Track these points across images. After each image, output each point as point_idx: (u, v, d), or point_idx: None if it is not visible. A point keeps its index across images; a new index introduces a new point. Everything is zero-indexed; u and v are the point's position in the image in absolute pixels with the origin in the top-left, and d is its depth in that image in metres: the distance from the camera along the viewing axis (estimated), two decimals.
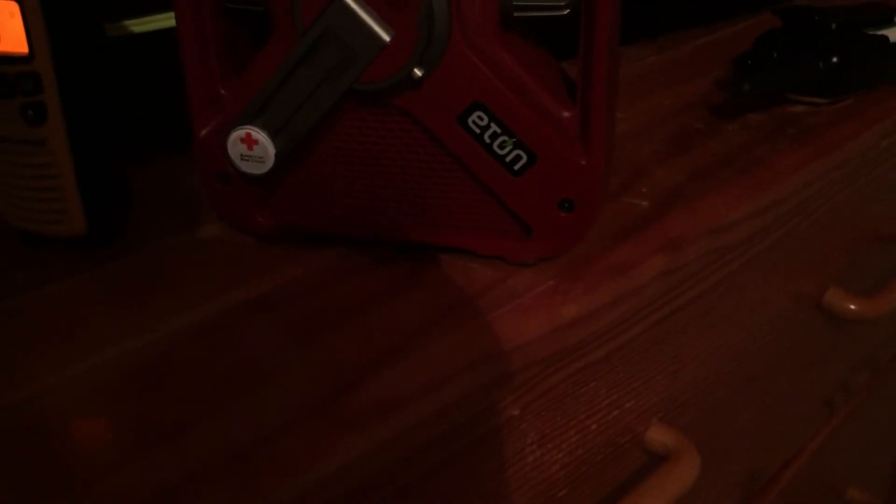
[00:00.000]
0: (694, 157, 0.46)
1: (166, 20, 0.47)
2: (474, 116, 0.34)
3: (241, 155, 0.35)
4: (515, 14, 0.33)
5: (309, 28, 0.32)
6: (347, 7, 0.32)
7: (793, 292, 0.58)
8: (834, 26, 0.50)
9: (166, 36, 0.45)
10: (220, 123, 0.37)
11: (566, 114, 0.34)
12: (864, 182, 0.56)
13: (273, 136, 0.35)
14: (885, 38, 0.52)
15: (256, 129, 0.35)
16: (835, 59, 0.49)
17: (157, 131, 0.48)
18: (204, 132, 0.37)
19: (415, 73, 0.33)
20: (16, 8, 0.32)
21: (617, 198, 0.42)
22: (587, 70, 0.33)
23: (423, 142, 0.35)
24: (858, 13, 0.53)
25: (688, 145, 0.48)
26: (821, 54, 0.50)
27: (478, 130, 0.34)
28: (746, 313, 0.53)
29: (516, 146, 0.34)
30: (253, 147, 0.35)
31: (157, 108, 0.48)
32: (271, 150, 0.35)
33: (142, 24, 0.47)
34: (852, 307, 0.61)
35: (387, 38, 0.32)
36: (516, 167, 0.34)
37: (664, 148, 0.47)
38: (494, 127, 0.34)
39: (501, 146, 0.34)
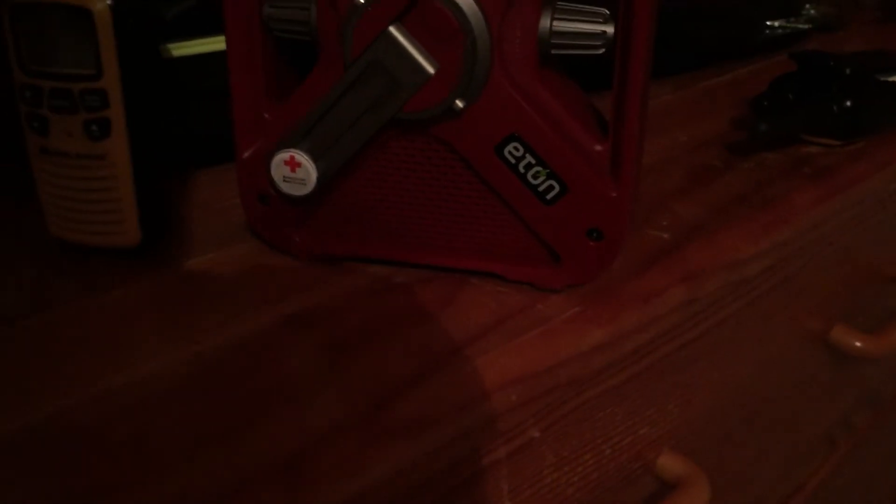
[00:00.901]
0: (712, 193, 0.48)
1: (215, 44, 0.49)
2: (510, 147, 0.35)
3: (284, 177, 0.37)
4: (552, 52, 0.35)
5: (357, 58, 0.34)
6: (395, 40, 0.33)
7: (801, 327, 0.60)
8: (848, 71, 0.52)
9: (213, 59, 0.46)
10: (264, 146, 0.38)
11: (598, 147, 0.36)
12: (872, 222, 0.58)
13: (316, 159, 0.36)
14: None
15: (300, 152, 0.36)
16: (848, 103, 0.51)
17: (199, 150, 0.49)
18: (247, 154, 0.39)
19: (456, 104, 0.34)
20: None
21: (640, 229, 0.44)
22: (621, 106, 0.35)
23: (459, 170, 0.37)
24: (871, 60, 0.55)
25: (706, 181, 0.49)
26: (835, 98, 0.51)
27: (513, 161, 0.36)
28: (756, 346, 0.54)
29: (549, 177, 0.36)
30: (296, 169, 0.36)
31: (201, 127, 0.49)
32: (314, 174, 0.36)
33: (188, 48, 0.49)
34: (858, 344, 0.63)
35: (431, 70, 0.34)
36: (549, 196, 0.36)
37: (684, 183, 0.49)
38: (529, 158, 0.35)
39: (535, 176, 0.36)
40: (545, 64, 0.36)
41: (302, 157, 0.36)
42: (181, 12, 0.53)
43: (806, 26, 0.75)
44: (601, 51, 0.35)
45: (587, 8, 0.35)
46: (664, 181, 0.49)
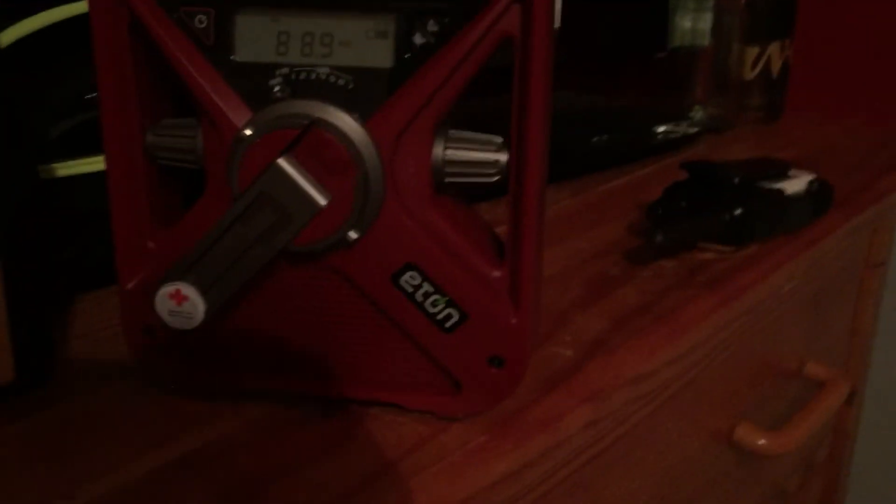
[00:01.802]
0: (613, 304, 0.48)
1: (97, 164, 0.47)
2: (407, 276, 0.35)
3: (170, 310, 0.35)
4: (446, 180, 0.35)
5: (245, 190, 0.33)
6: (284, 172, 0.32)
7: (705, 428, 0.60)
8: (736, 181, 0.54)
9: (97, 179, 0.45)
10: (148, 276, 0.36)
11: (496, 273, 0.35)
12: (767, 322, 0.59)
13: (204, 292, 0.35)
14: (781, 191, 0.55)
15: (187, 285, 0.34)
16: (738, 212, 0.53)
17: (87, 273, 0.47)
18: (130, 285, 0.37)
19: (349, 236, 0.34)
20: None
21: (542, 346, 0.43)
22: (517, 232, 0.35)
23: (354, 298, 0.36)
24: (756, 167, 0.57)
25: (606, 292, 0.49)
26: (725, 207, 0.53)
27: (410, 289, 0.35)
28: (663, 452, 0.54)
29: (448, 305, 0.35)
30: (182, 303, 0.35)
31: (82, 249, 0.47)
32: (201, 307, 0.35)
33: (71, 168, 0.47)
34: (761, 442, 0.63)
35: (323, 202, 0.33)
36: (447, 325, 0.35)
37: (584, 294, 0.49)
38: (427, 286, 0.35)
39: (433, 304, 0.35)
40: (440, 191, 0.35)
41: (189, 291, 0.35)
42: (68, 129, 0.52)
43: (694, 130, 0.78)
44: (495, 178, 0.34)
45: (480, 136, 0.35)
46: (565, 293, 0.49)
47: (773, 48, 0.86)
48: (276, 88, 0.33)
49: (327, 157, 0.33)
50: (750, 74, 0.86)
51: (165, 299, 0.35)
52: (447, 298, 0.35)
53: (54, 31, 0.48)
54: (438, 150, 0.34)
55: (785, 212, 0.55)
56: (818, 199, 0.58)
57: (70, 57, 0.47)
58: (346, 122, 0.33)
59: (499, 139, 0.35)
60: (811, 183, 0.58)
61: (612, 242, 0.57)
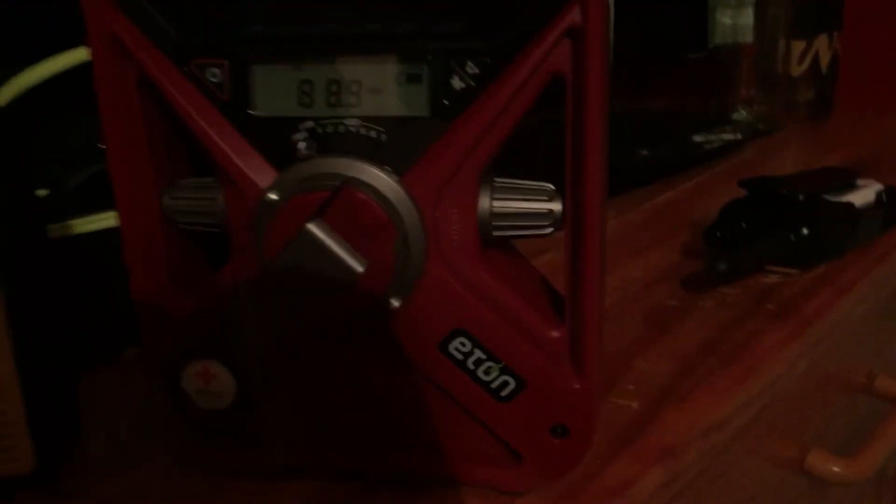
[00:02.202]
0: (676, 343, 0.44)
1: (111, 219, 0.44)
2: (456, 343, 0.31)
3: (198, 390, 0.32)
4: (495, 234, 0.31)
5: (273, 260, 0.30)
6: (315, 238, 0.29)
7: (775, 458, 0.56)
8: (801, 198, 0.49)
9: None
10: (174, 348, 0.33)
11: (555, 333, 0.32)
12: (841, 345, 0.55)
13: (233, 368, 0.32)
14: (851, 204, 0.51)
15: (215, 362, 0.31)
16: (805, 231, 0.49)
17: (108, 337, 0.44)
18: (156, 355, 0.34)
19: (391, 303, 0.30)
20: None
21: (605, 397, 0.39)
22: (577, 287, 0.31)
23: (401, 368, 0.32)
24: (821, 180, 0.53)
25: (666, 328, 0.46)
26: (791, 227, 0.49)
27: (461, 357, 0.31)
28: (735, 490, 0.50)
29: (503, 372, 0.31)
30: (210, 382, 0.32)
31: (105, 307, 0.44)
32: (232, 385, 0.32)
33: (89, 223, 0.45)
34: (836, 469, 0.59)
35: (360, 269, 0.29)
36: (503, 393, 0.32)
37: (643, 332, 0.45)
38: (479, 353, 0.31)
39: (487, 372, 0.32)
40: (487, 244, 0.32)
41: (217, 369, 0.31)
42: (85, 179, 0.49)
43: (739, 136, 0.74)
44: (549, 230, 0.31)
45: (530, 184, 0.31)
46: (622, 331, 0.45)
47: (821, 41, 0.81)
48: (302, 145, 0.30)
49: (362, 220, 0.29)
50: (797, 70, 0.82)
51: (192, 378, 0.32)
52: (501, 365, 0.31)
53: (65, 78, 0.45)
54: (484, 203, 0.31)
55: (855, 227, 0.51)
56: (889, 209, 0.54)
57: (84, 104, 0.45)
58: (380, 179, 0.30)
59: (550, 187, 0.31)
60: (881, 193, 0.53)
61: (666, 269, 0.53)
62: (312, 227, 0.29)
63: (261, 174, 0.30)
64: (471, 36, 0.29)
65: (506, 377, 0.31)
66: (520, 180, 0.31)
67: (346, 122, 0.30)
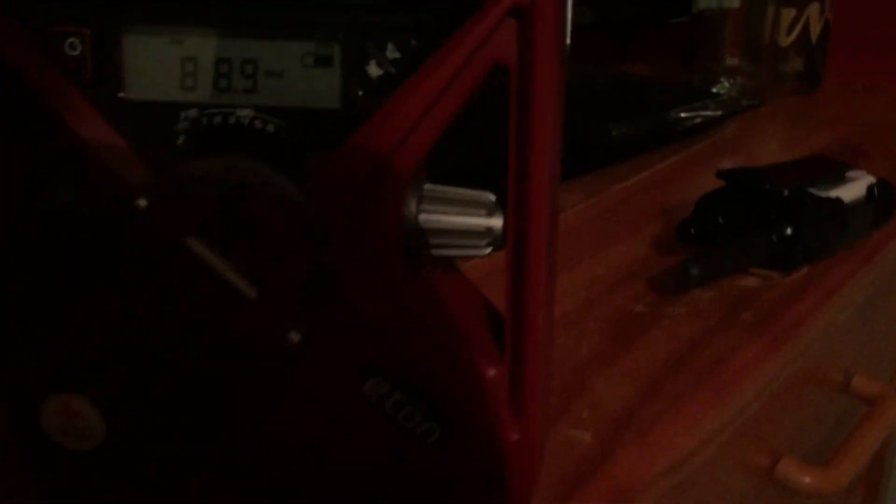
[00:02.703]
0: (640, 358, 0.39)
1: None
2: (371, 382, 0.26)
3: (60, 428, 0.27)
4: (421, 252, 0.26)
5: (143, 279, 0.24)
6: (196, 256, 0.23)
7: (744, 466, 0.51)
8: (785, 193, 0.44)
9: None
10: (31, 378, 0.28)
11: (491, 372, 0.27)
12: (821, 349, 0.50)
13: (103, 406, 0.26)
14: (839, 200, 0.46)
15: (79, 398, 0.26)
16: (789, 231, 0.44)
17: None
18: (12, 382, 0.28)
19: (290, 336, 0.25)
20: None
21: (555, 425, 0.34)
22: (518, 319, 0.26)
23: (309, 402, 0.27)
24: (807, 171, 0.48)
25: (630, 339, 0.40)
26: (773, 225, 0.44)
27: (376, 399, 0.26)
28: (700, 501, 0.45)
29: (427, 417, 0.26)
30: (75, 420, 0.26)
31: None
32: (100, 427, 0.26)
33: None
34: (807, 480, 0.55)
35: (252, 294, 0.24)
36: (429, 441, 0.27)
37: (603, 343, 0.40)
38: (397, 394, 0.26)
39: (408, 417, 0.26)
40: (413, 262, 0.26)
41: (82, 405, 0.26)
42: None
43: (719, 112, 0.68)
44: (487, 250, 0.26)
45: (465, 193, 0.26)
46: (580, 342, 0.40)
47: (812, 9, 0.76)
48: (181, 138, 0.24)
49: (255, 234, 0.24)
50: (786, 40, 0.76)
51: (53, 416, 0.26)
52: (424, 410, 0.26)
53: None
54: (409, 212, 0.25)
55: (844, 226, 0.46)
56: (880, 205, 0.49)
57: None
58: (278, 184, 0.24)
59: (491, 197, 0.26)
60: (872, 187, 0.48)
61: (633, 265, 0.48)
62: (193, 243, 0.23)
63: (130, 171, 0.25)
64: (391, 8, 0.23)
65: (430, 423, 0.26)
66: (453, 188, 0.26)
67: (238, 112, 0.24)
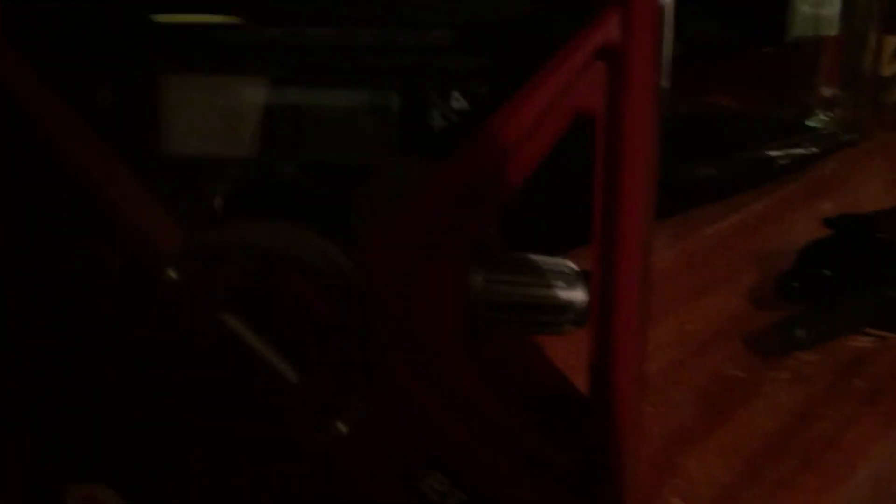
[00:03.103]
0: (737, 437, 0.35)
1: None
2: (431, 480, 0.22)
3: None
4: (489, 328, 0.22)
5: (173, 359, 0.21)
6: (233, 335, 0.20)
7: None
8: None
9: None
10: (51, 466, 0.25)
11: (568, 464, 0.23)
12: None
13: (128, 496, 0.23)
14: None
15: (103, 487, 0.23)
16: None
17: None
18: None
19: (337, 427, 0.21)
20: None
21: None
22: (604, 409, 0.22)
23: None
24: None
25: (726, 410, 0.36)
26: (888, 280, 0.39)
27: (436, 498, 0.23)
28: None
29: None
30: None
31: None
32: None
33: None
34: None
35: (293, 377, 0.21)
36: None
37: (695, 416, 0.36)
38: (460, 494, 0.22)
39: None
40: (478, 338, 0.23)
41: (107, 495, 0.23)
42: None
43: (815, 150, 0.63)
44: (567, 328, 0.22)
45: (542, 261, 0.22)
46: (669, 412, 0.36)
47: None
48: (218, 202, 0.21)
49: (299, 310, 0.20)
50: (889, 69, 0.71)
51: None
52: None
53: None
54: (475, 284, 0.22)
55: None
56: None
57: None
58: (325, 252, 0.21)
59: (571, 266, 0.22)
60: None
61: (727, 321, 0.43)
62: (230, 320, 0.20)
63: (162, 235, 0.22)
64: (460, 51, 0.20)
65: None
66: (526, 254, 0.22)
67: (282, 169, 0.21)
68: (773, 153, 0.60)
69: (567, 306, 0.22)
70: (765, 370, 0.39)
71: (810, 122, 0.71)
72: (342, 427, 0.21)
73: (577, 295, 0.22)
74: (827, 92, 0.73)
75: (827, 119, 0.71)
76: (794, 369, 0.39)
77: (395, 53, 0.20)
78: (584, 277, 0.22)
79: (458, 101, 0.20)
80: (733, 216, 0.56)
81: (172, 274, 0.21)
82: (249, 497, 0.24)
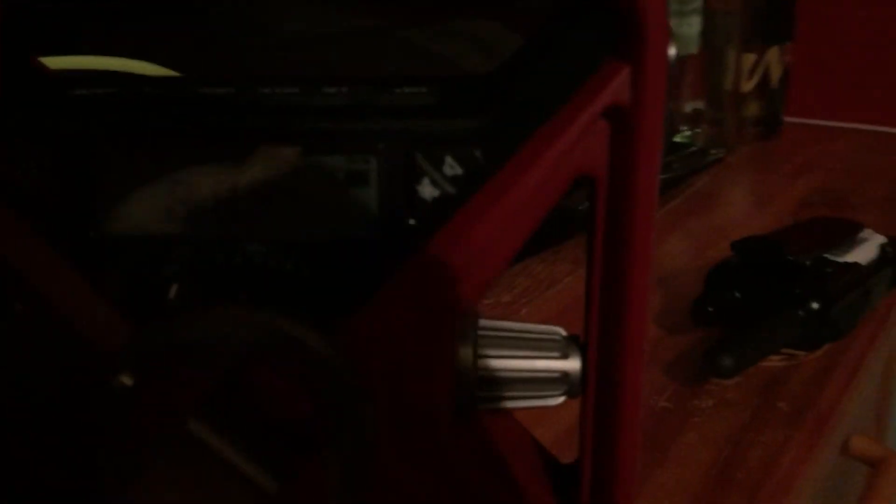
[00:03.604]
0: (679, 473, 0.34)
1: None
2: None
3: None
4: (478, 406, 0.20)
5: (131, 480, 0.18)
6: (198, 445, 0.18)
7: None
8: (808, 263, 0.41)
9: None
10: None
11: None
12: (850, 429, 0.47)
13: None
14: (859, 265, 0.43)
15: None
16: (815, 306, 0.40)
17: None
18: None
19: None
20: None
21: None
22: (609, 480, 0.21)
23: None
24: (820, 236, 0.44)
25: (663, 445, 0.36)
26: (799, 300, 0.40)
27: None
28: None
29: None
30: None
31: None
32: None
33: None
34: None
35: (272, 487, 0.18)
36: None
37: None
38: None
39: None
40: (465, 418, 0.21)
41: None
42: None
43: (686, 171, 0.65)
44: (559, 400, 0.21)
45: (532, 329, 0.21)
46: None
47: (773, 53, 0.74)
48: (173, 290, 0.18)
49: (276, 409, 0.18)
50: (748, 85, 0.74)
51: None
52: None
53: None
54: (465, 361, 0.20)
55: (867, 294, 0.42)
56: (894, 266, 0.46)
57: None
58: (303, 341, 0.18)
59: (561, 333, 0.21)
60: (884, 246, 0.45)
61: (648, 348, 0.43)
62: (195, 427, 0.18)
63: (109, 337, 0.19)
64: (449, 111, 0.18)
65: None
66: (514, 323, 0.21)
67: (247, 247, 0.19)
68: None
69: (563, 377, 0.20)
70: (691, 398, 0.39)
71: (676, 139, 0.74)
72: None
73: (573, 364, 0.20)
74: (690, 108, 0.75)
75: (693, 134, 0.74)
76: (718, 395, 0.39)
77: (378, 116, 0.18)
78: (576, 344, 0.20)
79: (451, 168, 0.18)
80: None
81: (125, 380, 0.18)
82: None
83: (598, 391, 0.20)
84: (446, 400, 0.20)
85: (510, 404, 0.21)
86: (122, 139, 0.18)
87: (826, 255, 0.42)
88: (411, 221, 0.18)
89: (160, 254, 0.19)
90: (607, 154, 0.18)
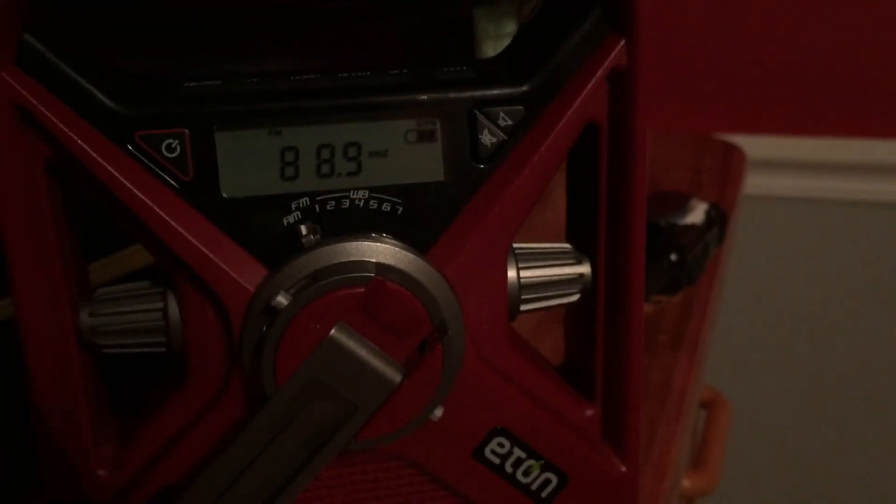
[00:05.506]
0: None
1: None
2: (493, 445, 0.26)
3: None
4: (522, 308, 0.27)
5: (285, 384, 0.23)
6: (342, 348, 0.23)
7: None
8: (662, 224, 0.50)
9: None
10: None
11: (588, 412, 0.28)
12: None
13: None
14: (695, 225, 0.53)
15: None
16: (673, 258, 0.49)
17: None
18: None
19: (434, 415, 0.24)
20: None
21: None
22: (615, 359, 0.27)
23: (422, 487, 0.26)
24: (663, 204, 0.54)
25: None
26: (658, 255, 0.49)
27: (497, 461, 0.26)
28: None
29: (545, 469, 0.27)
30: None
31: None
32: None
33: None
34: (685, 483, 0.60)
35: (397, 379, 0.23)
36: (544, 493, 0.27)
37: None
38: (518, 452, 0.26)
39: (526, 473, 0.27)
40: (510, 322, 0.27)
41: None
42: None
43: None
44: (576, 297, 0.27)
45: (550, 247, 0.27)
46: None
47: None
48: (303, 230, 0.23)
49: (396, 316, 0.23)
50: None
51: None
52: (543, 462, 0.27)
53: None
54: (512, 275, 0.26)
55: (707, 245, 0.52)
56: (721, 225, 0.56)
57: None
58: (409, 261, 0.24)
59: (570, 247, 0.27)
60: (709, 211, 0.56)
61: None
62: (338, 336, 0.23)
63: (246, 272, 0.23)
64: (496, 81, 0.24)
65: (548, 474, 0.27)
66: (538, 244, 0.27)
67: (352, 194, 0.24)
68: None
69: (580, 278, 0.27)
70: None
71: None
72: (438, 412, 0.24)
73: (584, 268, 0.27)
74: None
75: None
76: None
77: (432, 88, 0.24)
78: (584, 254, 0.27)
79: (504, 121, 0.24)
80: None
81: (281, 300, 0.22)
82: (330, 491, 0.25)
83: (607, 293, 0.27)
84: (503, 306, 0.26)
85: (544, 304, 0.27)
86: (236, 120, 0.23)
87: (671, 220, 0.52)
88: (475, 163, 0.24)
89: (279, 207, 0.23)
90: (607, 107, 0.25)
